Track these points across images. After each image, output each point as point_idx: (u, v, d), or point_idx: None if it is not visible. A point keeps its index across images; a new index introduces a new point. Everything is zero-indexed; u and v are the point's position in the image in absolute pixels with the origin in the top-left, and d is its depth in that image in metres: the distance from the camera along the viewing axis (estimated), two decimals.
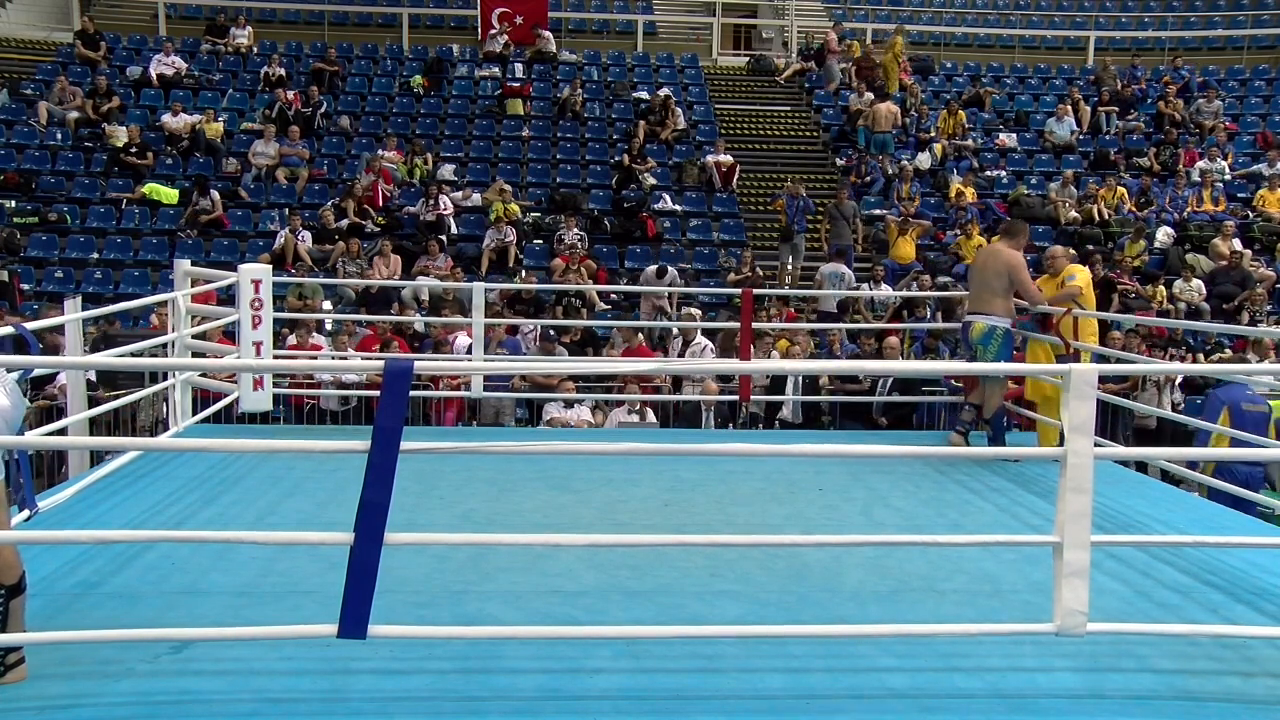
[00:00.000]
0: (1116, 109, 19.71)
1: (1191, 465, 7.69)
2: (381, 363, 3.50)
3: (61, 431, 6.41)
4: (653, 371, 10.06)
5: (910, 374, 10.10)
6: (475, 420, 10.60)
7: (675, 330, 12.08)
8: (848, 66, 20.05)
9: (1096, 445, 3.79)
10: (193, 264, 8.33)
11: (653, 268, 14.31)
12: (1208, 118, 19.64)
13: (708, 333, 11.77)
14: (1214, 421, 7.85)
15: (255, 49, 19.94)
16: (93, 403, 7.28)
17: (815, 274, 14.71)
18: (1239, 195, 17.84)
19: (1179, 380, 11.39)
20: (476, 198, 16.22)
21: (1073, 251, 11.09)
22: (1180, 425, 9.27)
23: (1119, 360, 8.55)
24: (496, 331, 10.79)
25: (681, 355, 11.35)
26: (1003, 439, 7.87)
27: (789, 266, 15.23)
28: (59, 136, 17.10)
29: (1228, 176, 18.08)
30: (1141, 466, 7.83)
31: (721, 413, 10.63)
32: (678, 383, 10.88)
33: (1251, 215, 17.18)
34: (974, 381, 7.97)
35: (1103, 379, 4.17)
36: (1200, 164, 18.08)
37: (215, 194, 15.56)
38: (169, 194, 15.85)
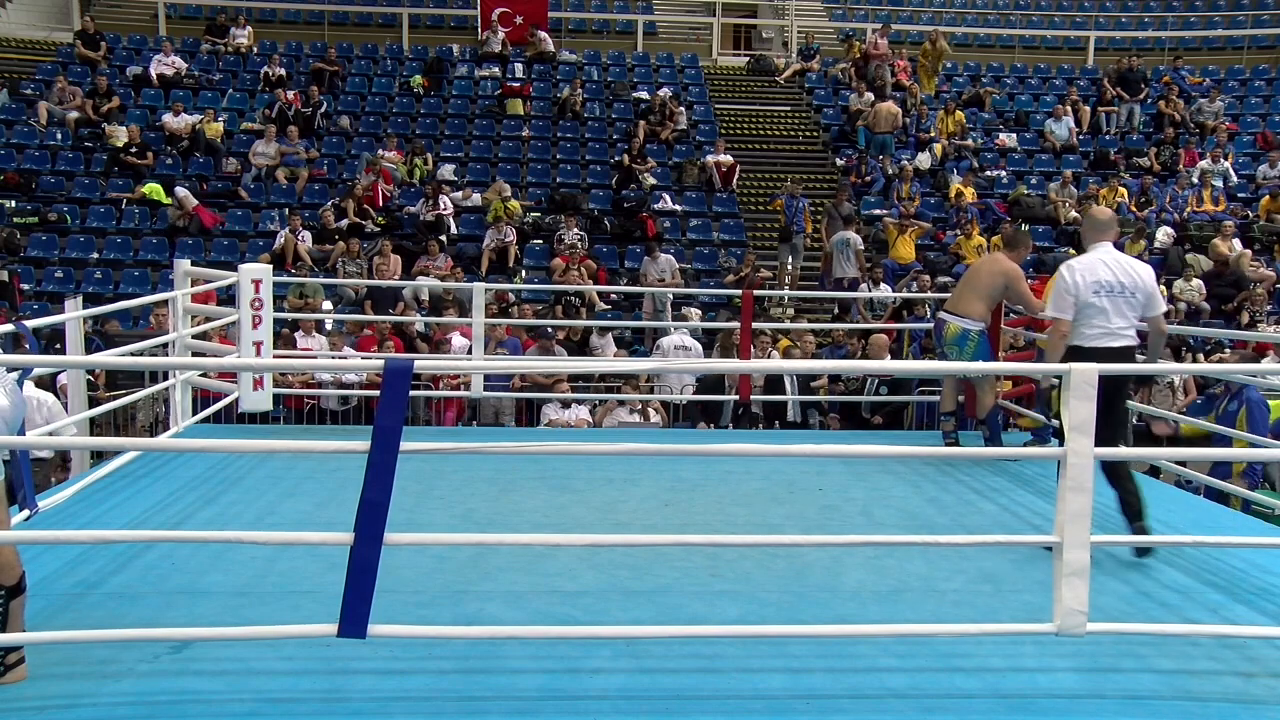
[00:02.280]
0: (1123, 93, 19.66)
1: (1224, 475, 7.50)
2: (381, 362, 3.50)
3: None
4: (650, 371, 10.05)
5: (907, 374, 10.11)
6: (475, 420, 10.60)
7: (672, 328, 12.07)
8: (883, 69, 19.89)
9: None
10: (193, 264, 8.34)
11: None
12: (1208, 118, 19.64)
13: (709, 332, 11.73)
14: (1265, 425, 7.61)
15: (255, 49, 19.93)
16: (93, 403, 7.28)
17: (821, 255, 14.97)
18: (1239, 195, 17.83)
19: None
20: (476, 198, 16.21)
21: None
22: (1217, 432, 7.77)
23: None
24: (496, 331, 10.79)
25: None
26: (1000, 439, 7.86)
27: (789, 266, 15.23)
28: (59, 136, 17.09)
29: (1233, 180, 18.07)
30: (1155, 471, 7.69)
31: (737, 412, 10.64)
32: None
33: (1251, 215, 17.17)
34: (951, 389, 7.97)
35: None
36: (1202, 164, 18.07)
37: (181, 191, 15.35)
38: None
